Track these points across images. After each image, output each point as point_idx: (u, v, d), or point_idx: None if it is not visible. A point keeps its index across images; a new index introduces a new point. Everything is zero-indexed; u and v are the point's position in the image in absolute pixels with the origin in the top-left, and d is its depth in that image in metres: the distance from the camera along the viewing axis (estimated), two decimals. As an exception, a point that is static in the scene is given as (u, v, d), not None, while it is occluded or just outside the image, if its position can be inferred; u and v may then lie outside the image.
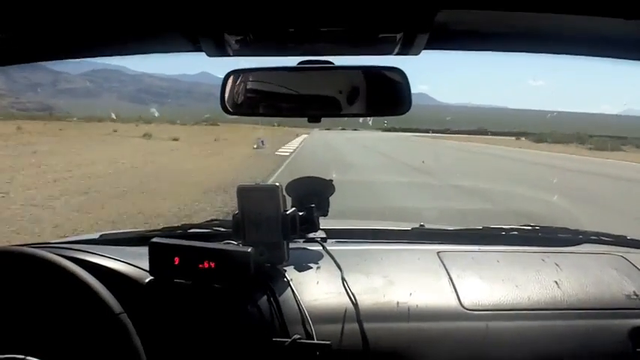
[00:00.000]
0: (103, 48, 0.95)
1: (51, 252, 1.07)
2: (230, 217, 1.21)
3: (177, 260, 1.09)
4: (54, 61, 0.99)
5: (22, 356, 0.89)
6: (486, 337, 1.08)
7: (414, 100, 1.01)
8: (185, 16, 0.80)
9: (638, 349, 1.07)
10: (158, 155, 16.22)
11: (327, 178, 1.38)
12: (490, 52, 0.98)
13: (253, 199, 1.17)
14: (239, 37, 0.85)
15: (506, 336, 1.08)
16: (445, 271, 1.22)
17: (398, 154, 21.87)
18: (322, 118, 1.03)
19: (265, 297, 1.10)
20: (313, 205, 1.27)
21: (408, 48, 0.89)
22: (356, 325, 1.07)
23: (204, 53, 0.91)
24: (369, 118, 1.04)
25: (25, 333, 0.97)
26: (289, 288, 1.12)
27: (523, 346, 1.07)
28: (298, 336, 1.04)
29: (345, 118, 1.10)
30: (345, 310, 1.09)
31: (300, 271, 1.20)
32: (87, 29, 0.86)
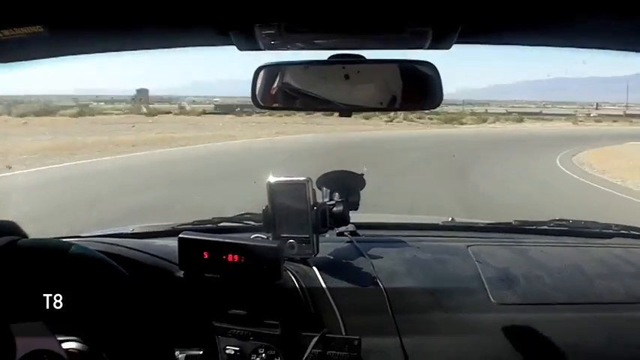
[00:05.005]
0: (133, 41, 0.96)
1: (83, 245, 1.09)
2: (260, 211, 1.21)
3: (206, 255, 1.09)
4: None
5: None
6: (515, 329, 1.09)
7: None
8: (216, 9, 0.80)
9: None
10: None
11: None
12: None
13: (283, 193, 1.17)
14: (270, 31, 0.85)
15: (536, 328, 1.09)
16: (475, 264, 1.22)
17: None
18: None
19: (294, 291, 1.10)
20: (344, 199, 1.26)
21: (438, 42, 0.88)
22: (386, 317, 1.08)
23: (235, 47, 0.91)
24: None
25: (57, 324, 0.99)
26: (319, 281, 1.12)
27: (552, 338, 1.08)
28: (327, 330, 1.05)
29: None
30: (376, 303, 1.10)
31: (330, 264, 1.19)
32: (118, 23, 0.86)
